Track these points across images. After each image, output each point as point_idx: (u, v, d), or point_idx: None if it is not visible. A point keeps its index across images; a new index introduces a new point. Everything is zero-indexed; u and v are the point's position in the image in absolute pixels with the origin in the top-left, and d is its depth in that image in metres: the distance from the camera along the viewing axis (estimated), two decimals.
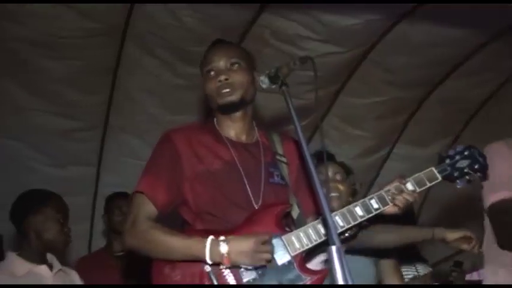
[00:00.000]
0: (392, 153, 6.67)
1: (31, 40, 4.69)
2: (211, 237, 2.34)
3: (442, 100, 6.11)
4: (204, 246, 2.32)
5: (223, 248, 2.30)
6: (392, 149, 6.62)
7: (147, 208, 2.51)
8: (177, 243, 2.39)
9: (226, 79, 2.58)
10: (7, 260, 3.26)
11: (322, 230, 2.46)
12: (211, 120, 2.77)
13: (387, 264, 3.63)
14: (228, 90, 2.57)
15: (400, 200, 2.52)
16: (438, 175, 2.58)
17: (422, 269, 4.31)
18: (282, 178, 2.70)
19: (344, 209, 2.51)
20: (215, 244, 2.31)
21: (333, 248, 1.70)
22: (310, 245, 2.45)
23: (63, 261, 3.47)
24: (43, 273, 3.22)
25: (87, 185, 5.82)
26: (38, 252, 3.25)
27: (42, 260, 3.26)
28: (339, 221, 2.48)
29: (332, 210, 2.45)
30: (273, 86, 2.48)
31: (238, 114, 2.66)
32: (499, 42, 5.33)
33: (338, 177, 3.53)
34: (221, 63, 2.64)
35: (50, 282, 3.21)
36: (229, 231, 2.43)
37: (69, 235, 3.33)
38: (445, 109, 6.25)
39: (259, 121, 2.80)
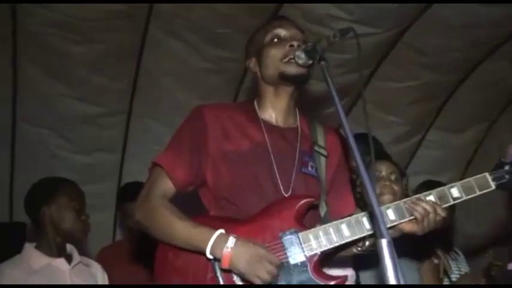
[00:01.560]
0: (425, 139, 6.40)
1: (54, 23, 4.52)
2: (220, 231, 2.14)
3: (478, 84, 5.81)
4: (209, 239, 2.12)
5: (229, 245, 2.10)
6: (425, 135, 6.36)
7: (164, 184, 2.35)
8: (182, 229, 2.21)
9: (299, 46, 2.37)
10: (24, 252, 3.11)
11: (346, 232, 2.22)
12: (251, 101, 2.57)
13: (426, 266, 3.45)
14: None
15: (419, 210, 2.24)
16: (492, 183, 2.28)
17: None
18: (316, 171, 2.48)
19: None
20: (222, 239, 2.12)
21: (383, 242, 1.48)
22: (328, 247, 2.22)
23: (85, 251, 3.31)
24: (60, 266, 3.05)
25: (112, 172, 5.67)
26: (56, 243, 3.09)
27: (61, 252, 3.10)
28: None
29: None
30: (310, 62, 2.30)
31: (290, 90, 2.46)
32: None
33: (393, 177, 3.31)
34: (293, 32, 2.48)
35: (67, 276, 3.04)
36: (243, 221, 2.24)
37: (87, 222, 3.15)
38: (481, 94, 5.96)
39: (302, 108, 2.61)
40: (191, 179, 2.37)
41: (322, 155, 2.52)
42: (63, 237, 3.10)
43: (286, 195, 2.33)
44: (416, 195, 2.30)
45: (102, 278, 3.27)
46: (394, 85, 5.66)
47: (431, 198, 2.28)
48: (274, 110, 2.49)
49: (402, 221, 2.25)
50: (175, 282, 2.20)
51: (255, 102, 2.54)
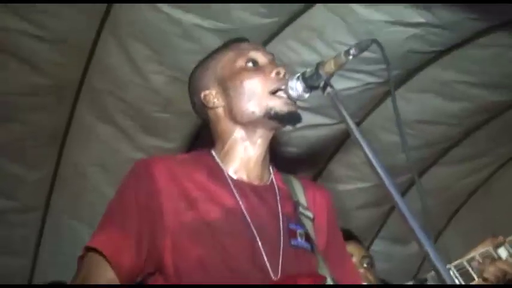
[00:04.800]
0: (370, 250, 5.93)
1: None
2: None
3: (427, 191, 5.47)
4: None
5: None
6: (370, 245, 5.90)
7: (104, 275, 1.71)
8: None
9: (285, 75, 1.88)
10: None
11: None
12: (205, 151, 1.99)
13: None
14: None
15: (492, 272, 1.80)
16: None
17: None
18: (307, 240, 1.91)
19: None
20: None
21: None
22: None
23: None
24: None
25: (20, 281, 4.81)
26: None
27: None
28: None
29: None
30: (307, 95, 1.83)
31: (271, 134, 1.95)
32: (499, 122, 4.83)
33: (365, 262, 2.77)
34: (271, 57, 1.98)
35: None
36: None
37: None
38: (428, 201, 5.60)
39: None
40: (141, 266, 1.75)
41: (308, 217, 1.97)
42: None
43: (275, 279, 1.75)
44: (483, 250, 1.81)
45: None
46: (342, 187, 5.22)
47: (502, 252, 1.80)
48: (245, 162, 1.94)
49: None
50: None
51: (213, 153, 1.98)
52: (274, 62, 2.01)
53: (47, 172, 4.43)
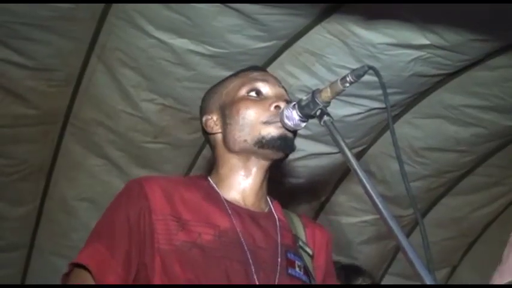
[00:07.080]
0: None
1: None
2: None
3: (440, 222, 5.54)
4: None
5: None
6: (380, 281, 5.93)
7: None
8: None
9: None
10: None
11: None
12: (202, 176, 2.07)
13: None
14: None
15: None
16: None
17: None
18: (306, 273, 1.96)
19: None
20: None
21: None
22: None
23: None
24: None
25: None
26: None
27: None
28: None
29: None
30: (303, 124, 1.89)
31: (265, 165, 2.00)
32: None
33: None
34: (278, 90, 2.05)
35: None
36: None
37: None
38: (441, 233, 5.67)
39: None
40: (128, 284, 1.80)
41: (307, 253, 2.02)
42: None
43: None
44: None
45: None
46: (347, 220, 5.29)
47: None
48: (240, 189, 2.00)
49: None
50: None
51: (210, 179, 2.05)
52: (282, 95, 2.06)
53: (31, 208, 4.50)
